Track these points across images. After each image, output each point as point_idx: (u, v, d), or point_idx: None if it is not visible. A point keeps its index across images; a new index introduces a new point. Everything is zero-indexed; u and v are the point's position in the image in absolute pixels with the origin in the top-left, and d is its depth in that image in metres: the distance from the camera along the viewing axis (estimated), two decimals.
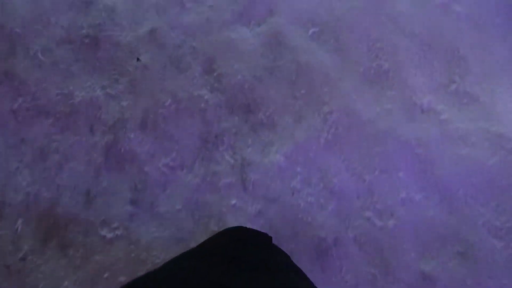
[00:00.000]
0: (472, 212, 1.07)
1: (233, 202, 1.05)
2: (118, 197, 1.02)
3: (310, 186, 1.08)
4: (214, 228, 1.00)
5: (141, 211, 1.02)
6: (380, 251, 1.03)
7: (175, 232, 1.01)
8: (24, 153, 1.02)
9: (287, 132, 1.10)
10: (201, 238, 1.01)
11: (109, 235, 0.99)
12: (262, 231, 0.76)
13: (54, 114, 1.05)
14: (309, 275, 1.02)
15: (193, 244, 1.01)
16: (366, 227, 1.05)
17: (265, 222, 1.00)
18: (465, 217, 1.07)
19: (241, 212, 1.06)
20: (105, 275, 0.95)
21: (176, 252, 0.99)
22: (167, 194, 1.04)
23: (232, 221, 1.00)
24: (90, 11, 1.13)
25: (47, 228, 0.98)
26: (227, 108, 1.09)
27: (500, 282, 0.98)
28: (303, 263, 0.99)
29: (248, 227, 0.70)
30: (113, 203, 1.02)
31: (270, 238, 0.56)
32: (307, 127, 1.10)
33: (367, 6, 1.18)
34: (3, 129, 1.04)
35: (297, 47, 1.14)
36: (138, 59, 1.09)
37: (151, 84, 1.08)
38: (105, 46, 1.11)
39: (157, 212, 1.03)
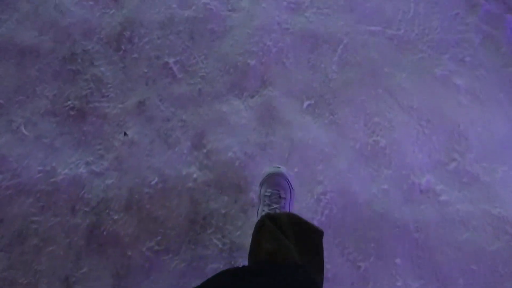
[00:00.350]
0: None
1: None
2: (99, 284, 1.14)
3: None
4: None
5: None
6: None
7: None
8: (1, 235, 1.14)
9: None
10: None
11: None
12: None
13: (34, 193, 1.18)
14: None
15: None
16: None
17: None
18: None
19: None
20: None
21: None
22: (151, 281, 1.15)
23: None
24: (77, 81, 1.28)
25: None
26: (216, 188, 1.22)
27: None
28: None
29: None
30: None
31: (272, 260, 0.69)
32: (300, 208, 1.23)
33: (364, 78, 1.34)
34: None
35: (291, 121, 1.29)
36: (125, 134, 1.23)
37: (137, 161, 1.22)
38: (91, 119, 1.25)
39: None
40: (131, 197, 1.25)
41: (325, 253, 1.26)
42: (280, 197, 1.12)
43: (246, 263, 1.22)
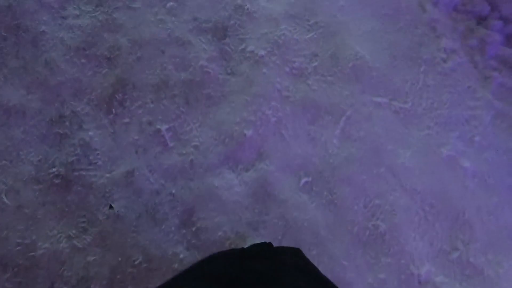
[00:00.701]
0: None
1: None
2: None
3: None
4: None
5: None
6: None
7: None
8: None
9: None
10: None
11: None
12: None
13: (12, 268, 1.32)
14: None
15: None
16: None
17: None
18: None
19: None
20: None
21: None
22: None
23: None
24: (63, 146, 1.44)
25: None
26: None
27: None
28: None
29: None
30: None
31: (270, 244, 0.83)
32: None
33: (367, 156, 1.50)
34: None
35: (287, 200, 1.44)
36: (110, 207, 1.38)
37: (122, 237, 1.36)
38: (76, 188, 1.40)
39: None
40: (113, 277, 1.39)
41: None
42: None
43: None
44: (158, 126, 1.55)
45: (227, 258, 0.76)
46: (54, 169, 1.49)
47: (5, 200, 1.44)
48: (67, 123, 1.54)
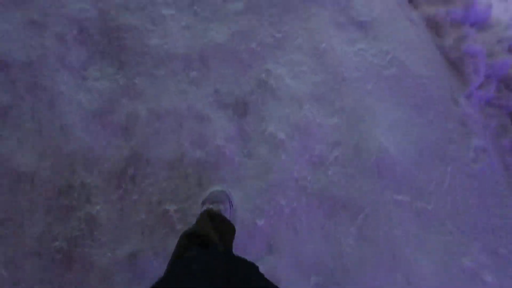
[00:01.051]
0: None
1: None
2: None
3: None
4: None
5: None
6: None
7: None
8: None
9: None
10: None
11: None
12: None
13: None
14: None
15: None
16: None
17: None
18: None
19: None
20: None
21: None
22: None
23: None
24: (69, 219, 1.55)
25: None
26: None
27: None
28: None
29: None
30: None
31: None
32: None
33: (382, 260, 1.60)
34: None
35: None
36: None
37: None
38: (77, 266, 1.51)
39: None
40: None
41: None
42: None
43: None
44: (167, 207, 1.67)
45: (214, 259, 1.11)
46: (56, 243, 1.60)
47: (3, 273, 1.55)
48: (75, 195, 1.66)
